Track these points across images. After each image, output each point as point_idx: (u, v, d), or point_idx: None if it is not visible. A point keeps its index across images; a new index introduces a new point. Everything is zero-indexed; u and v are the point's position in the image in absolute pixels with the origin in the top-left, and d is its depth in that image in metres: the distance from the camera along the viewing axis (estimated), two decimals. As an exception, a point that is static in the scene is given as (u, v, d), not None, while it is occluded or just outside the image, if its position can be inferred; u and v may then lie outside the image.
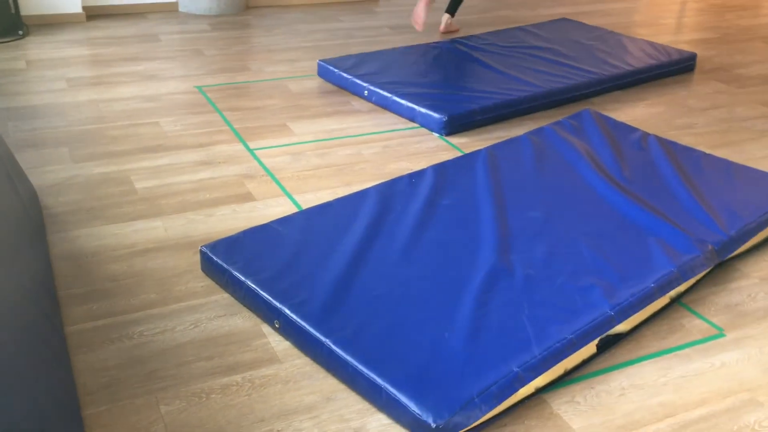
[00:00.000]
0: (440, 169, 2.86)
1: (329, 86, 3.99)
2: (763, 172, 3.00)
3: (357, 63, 4.04)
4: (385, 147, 3.31)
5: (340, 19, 5.39)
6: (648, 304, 2.16)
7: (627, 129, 3.37)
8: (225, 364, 1.96)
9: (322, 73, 4.05)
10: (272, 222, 2.45)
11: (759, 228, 2.60)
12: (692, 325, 2.23)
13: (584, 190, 2.75)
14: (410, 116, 3.58)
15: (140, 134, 3.29)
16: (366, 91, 3.78)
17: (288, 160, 3.14)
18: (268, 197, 2.82)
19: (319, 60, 4.09)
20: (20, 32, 4.44)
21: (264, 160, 3.11)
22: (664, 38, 5.24)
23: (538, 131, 3.27)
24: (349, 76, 3.87)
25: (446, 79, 3.98)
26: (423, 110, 3.51)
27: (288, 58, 4.44)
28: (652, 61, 4.38)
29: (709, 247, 2.37)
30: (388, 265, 2.24)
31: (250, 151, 3.20)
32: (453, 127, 3.45)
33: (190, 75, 4.06)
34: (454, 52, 4.34)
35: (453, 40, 4.56)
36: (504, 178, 2.81)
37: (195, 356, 1.99)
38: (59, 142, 3.16)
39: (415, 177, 2.78)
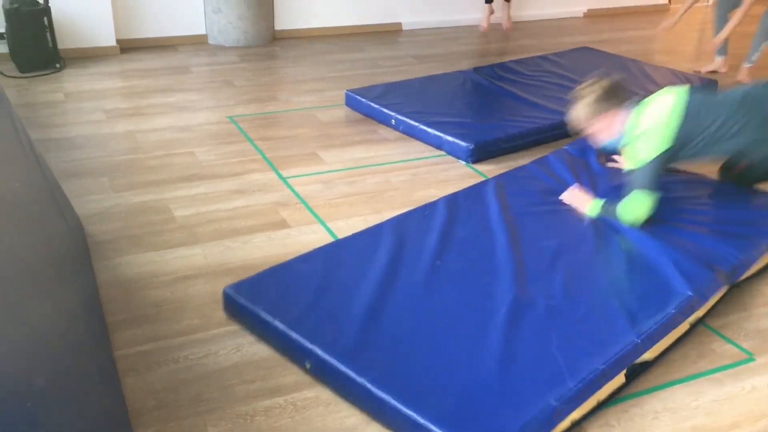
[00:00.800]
0: (452, 199, 2.87)
1: (356, 115, 4.09)
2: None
3: (384, 92, 4.14)
4: (413, 175, 3.38)
5: (364, 50, 5.51)
6: (671, 330, 2.19)
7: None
8: (267, 387, 2.03)
9: (350, 102, 4.15)
10: (292, 260, 2.44)
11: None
12: (722, 350, 2.27)
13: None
14: (437, 144, 3.66)
15: (176, 164, 3.40)
16: (393, 120, 3.87)
17: (320, 188, 3.22)
18: (302, 224, 2.90)
19: (347, 90, 4.19)
20: (57, 65, 4.60)
21: (297, 188, 3.20)
22: (684, 65, 5.31)
23: (542, 160, 3.27)
24: (377, 105, 3.97)
25: (471, 107, 4.08)
26: (450, 138, 3.60)
27: (315, 88, 4.56)
28: (674, 89, 4.44)
29: (720, 269, 2.40)
30: (411, 299, 2.24)
31: (283, 179, 3.29)
32: (479, 154, 3.53)
33: (221, 106, 4.18)
34: (477, 81, 4.43)
35: (476, 69, 4.65)
36: (514, 206, 2.82)
37: (238, 379, 2.05)
38: (99, 172, 3.27)
39: (428, 209, 2.80)
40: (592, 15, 6.96)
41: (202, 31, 5.41)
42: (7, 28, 4.46)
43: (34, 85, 4.35)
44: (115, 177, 3.24)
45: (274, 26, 5.62)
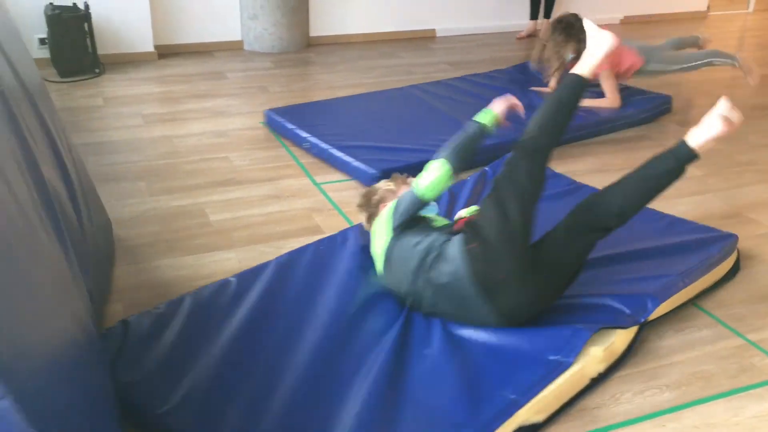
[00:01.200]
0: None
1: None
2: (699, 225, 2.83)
3: (310, 112, 3.93)
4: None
5: (399, 56, 5.52)
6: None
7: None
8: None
9: (270, 122, 3.91)
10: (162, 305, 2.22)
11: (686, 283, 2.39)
12: (763, 365, 2.22)
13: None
14: (345, 170, 3.38)
15: (212, 169, 3.43)
16: (307, 143, 3.59)
17: (353, 194, 3.22)
18: (336, 230, 2.90)
19: (266, 110, 3.97)
20: (97, 70, 4.68)
21: (330, 194, 3.21)
22: (721, 73, 5.21)
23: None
24: (292, 126, 3.69)
25: (395, 129, 3.76)
26: (357, 164, 3.30)
27: (349, 94, 4.56)
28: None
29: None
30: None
31: (317, 185, 3.30)
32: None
33: (256, 111, 4.21)
34: (414, 99, 4.22)
35: (414, 86, 4.44)
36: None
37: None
38: (137, 177, 3.32)
39: (323, 243, 2.62)
40: (629, 22, 6.89)
41: (238, 38, 5.47)
42: (48, 34, 4.55)
43: (74, 90, 4.43)
44: (152, 181, 3.28)
45: (308, 32, 5.66)
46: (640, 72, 4.26)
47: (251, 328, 2.11)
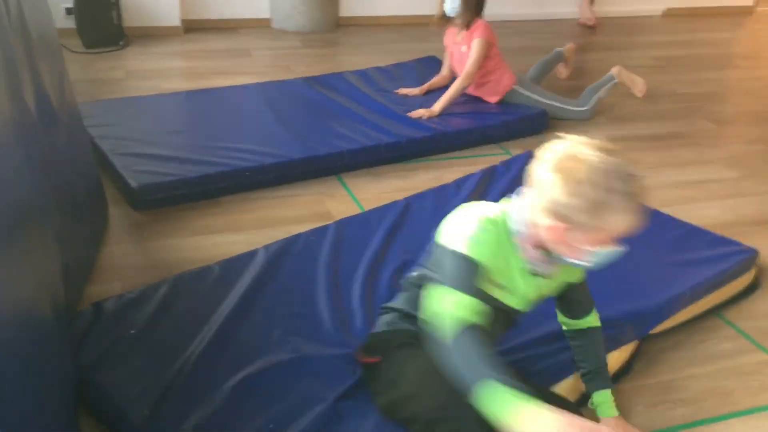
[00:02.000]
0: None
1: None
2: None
3: (127, 108, 3.48)
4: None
5: (430, 40, 5.37)
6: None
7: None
8: None
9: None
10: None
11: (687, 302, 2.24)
12: (787, 383, 2.09)
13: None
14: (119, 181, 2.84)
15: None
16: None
17: (369, 179, 3.13)
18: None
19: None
20: (121, 43, 4.63)
21: (345, 180, 3.12)
22: (765, 71, 5.01)
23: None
24: (87, 125, 2.76)
25: (203, 135, 3.25)
26: (123, 174, 2.79)
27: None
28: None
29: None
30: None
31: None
32: (144, 201, 2.73)
33: (278, 90, 4.13)
34: (286, 95, 3.73)
35: (308, 78, 4.01)
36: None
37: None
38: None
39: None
40: (672, 14, 6.64)
41: (267, 15, 5.38)
42: (74, 4, 4.51)
43: (96, 62, 4.39)
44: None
45: (338, 12, 5.55)
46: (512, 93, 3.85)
47: (224, 320, 2.00)
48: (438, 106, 3.64)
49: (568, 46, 4.46)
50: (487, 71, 3.81)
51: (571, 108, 3.94)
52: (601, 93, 3.99)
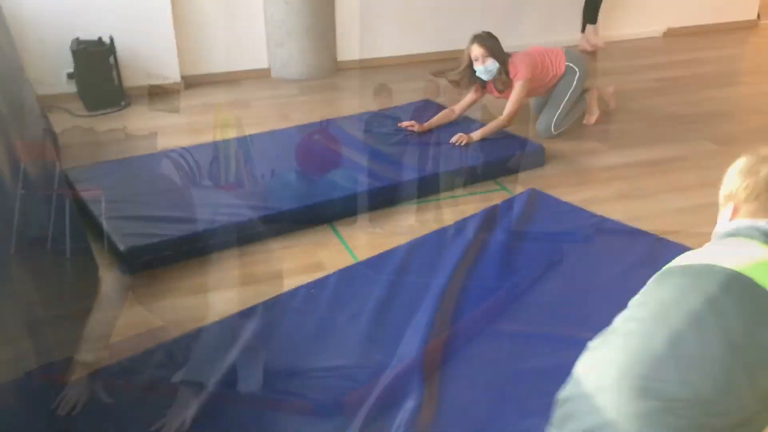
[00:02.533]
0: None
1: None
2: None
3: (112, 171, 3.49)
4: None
5: (430, 79, 5.39)
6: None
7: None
8: None
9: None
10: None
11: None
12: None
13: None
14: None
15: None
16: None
17: (363, 224, 3.12)
18: (340, 266, 2.81)
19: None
20: (123, 103, 4.72)
21: (338, 228, 3.11)
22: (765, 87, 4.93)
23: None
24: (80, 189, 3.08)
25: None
26: (113, 237, 2.81)
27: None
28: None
29: None
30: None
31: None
32: (133, 263, 2.73)
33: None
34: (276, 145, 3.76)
35: (300, 127, 4.08)
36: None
37: None
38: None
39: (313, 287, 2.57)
40: (673, 34, 6.59)
41: (266, 65, 5.45)
42: (75, 68, 4.61)
43: (99, 124, 4.46)
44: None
45: (336, 57, 5.60)
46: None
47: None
48: (478, 134, 3.79)
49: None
50: (544, 82, 4.05)
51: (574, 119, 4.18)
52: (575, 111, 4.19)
